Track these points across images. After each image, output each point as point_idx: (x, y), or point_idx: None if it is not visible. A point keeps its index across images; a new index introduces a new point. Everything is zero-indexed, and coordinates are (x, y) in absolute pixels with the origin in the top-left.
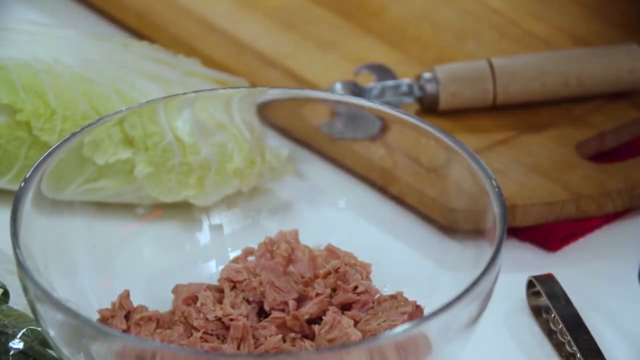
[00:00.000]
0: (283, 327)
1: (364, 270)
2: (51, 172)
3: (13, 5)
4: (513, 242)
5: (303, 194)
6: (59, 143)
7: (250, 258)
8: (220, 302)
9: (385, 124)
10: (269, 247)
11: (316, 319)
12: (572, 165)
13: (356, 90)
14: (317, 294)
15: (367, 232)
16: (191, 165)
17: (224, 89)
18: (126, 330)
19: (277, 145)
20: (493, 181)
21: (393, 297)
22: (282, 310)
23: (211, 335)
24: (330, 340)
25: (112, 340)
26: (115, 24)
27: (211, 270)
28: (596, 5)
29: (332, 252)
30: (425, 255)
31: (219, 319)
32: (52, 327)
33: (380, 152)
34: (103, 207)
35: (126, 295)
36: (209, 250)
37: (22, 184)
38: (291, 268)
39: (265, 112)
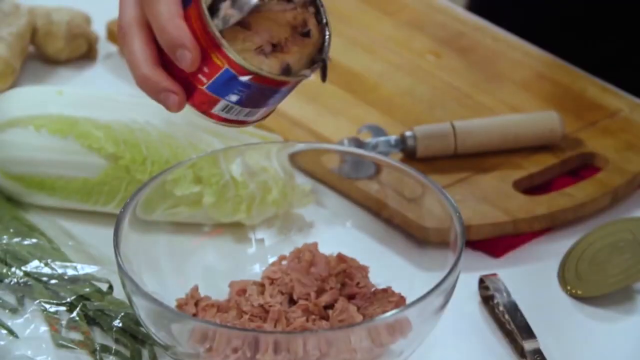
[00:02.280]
0: (307, 311)
1: (364, 271)
2: (143, 201)
3: (118, 81)
4: (469, 251)
5: (321, 217)
6: (148, 180)
7: (284, 262)
8: (262, 293)
9: (379, 168)
10: (297, 255)
11: (330, 306)
12: (510, 196)
13: (358, 143)
14: (331, 288)
15: (366, 244)
16: (242, 197)
17: (266, 143)
18: (195, 314)
19: (303, 182)
20: (455, 208)
21: (384, 290)
22: (306, 300)
23: (256, 317)
24: (341, 321)
25: (185, 321)
26: None
27: (256, 271)
28: (527, 84)
29: (341, 258)
30: (407, 261)
31: (262, 306)
32: (143, 311)
33: (375, 187)
34: (180, 226)
35: (196, 288)
36: (255, 257)
37: (122, 209)
38: (312, 269)
39: (294, 158)
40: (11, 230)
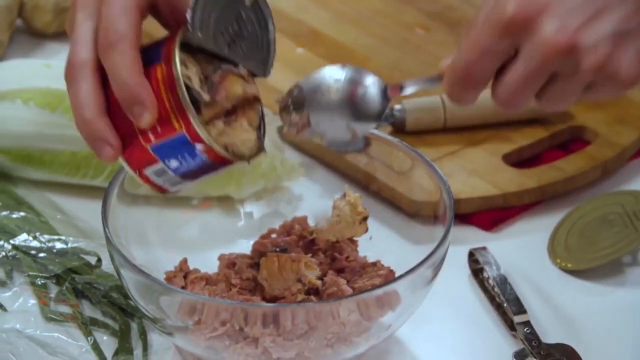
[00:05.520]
0: None
1: (353, 244)
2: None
3: None
4: (458, 224)
5: (310, 190)
6: None
7: (273, 235)
8: (251, 266)
9: (368, 141)
10: (286, 228)
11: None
12: (500, 170)
13: None
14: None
15: None
16: (231, 170)
17: None
18: (184, 287)
19: (292, 156)
20: (444, 181)
21: (373, 264)
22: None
23: (245, 290)
24: (330, 294)
25: (174, 294)
26: None
27: (245, 244)
28: None
29: None
30: (396, 234)
31: (250, 279)
32: (131, 284)
33: (365, 160)
34: (168, 199)
35: (185, 261)
36: (244, 230)
37: (110, 182)
38: (301, 243)
39: (283, 132)
40: None
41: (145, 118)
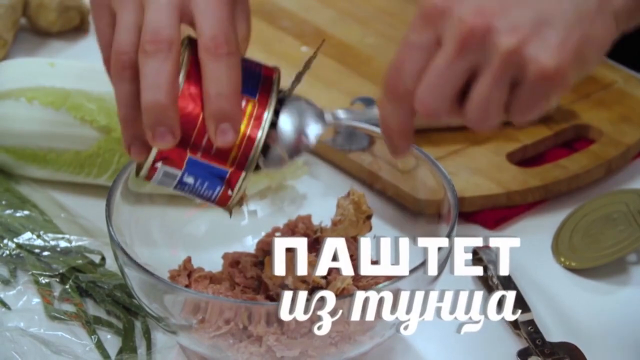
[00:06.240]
0: None
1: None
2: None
3: None
4: (462, 223)
5: (314, 188)
6: None
7: (277, 234)
8: (255, 265)
9: (372, 140)
10: (290, 227)
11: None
12: (503, 168)
13: None
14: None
15: None
16: None
17: None
18: (188, 285)
19: None
20: (448, 180)
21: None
22: None
23: (249, 288)
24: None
25: (178, 292)
26: None
27: (249, 243)
28: None
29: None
30: (400, 232)
31: (254, 277)
32: (135, 283)
33: (369, 159)
34: (172, 198)
35: (188, 260)
36: (248, 228)
37: (114, 181)
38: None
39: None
40: (3, 202)
41: (228, 136)
